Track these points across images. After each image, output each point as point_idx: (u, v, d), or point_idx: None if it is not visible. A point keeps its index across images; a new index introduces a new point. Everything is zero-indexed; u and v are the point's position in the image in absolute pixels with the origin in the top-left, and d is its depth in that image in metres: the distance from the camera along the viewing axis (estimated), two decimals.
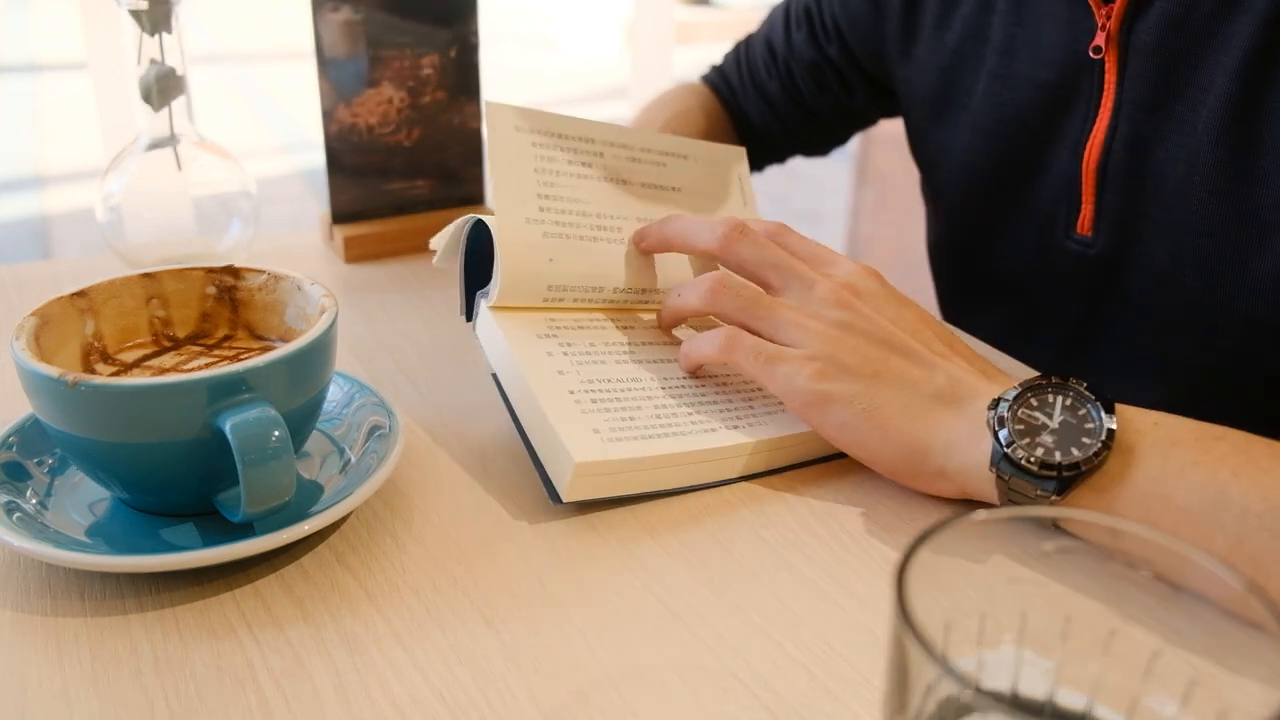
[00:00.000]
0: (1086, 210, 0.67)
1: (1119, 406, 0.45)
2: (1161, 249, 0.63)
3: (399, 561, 0.45)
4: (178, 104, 0.68)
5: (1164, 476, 0.42)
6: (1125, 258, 0.66)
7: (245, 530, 0.43)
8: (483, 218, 0.54)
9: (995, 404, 0.46)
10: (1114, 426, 0.44)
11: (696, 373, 0.54)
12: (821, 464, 0.53)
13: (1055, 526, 0.37)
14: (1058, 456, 0.43)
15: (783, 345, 0.50)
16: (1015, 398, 0.45)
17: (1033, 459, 0.44)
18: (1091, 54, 0.64)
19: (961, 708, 0.25)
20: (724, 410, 0.53)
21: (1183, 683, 0.28)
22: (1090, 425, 0.44)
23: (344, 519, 0.47)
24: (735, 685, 0.39)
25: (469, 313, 0.56)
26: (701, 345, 0.52)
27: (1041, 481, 0.43)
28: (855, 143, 2.32)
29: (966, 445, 0.46)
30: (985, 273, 0.77)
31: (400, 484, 0.50)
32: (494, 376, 0.52)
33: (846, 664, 0.40)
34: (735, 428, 0.51)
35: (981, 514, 0.29)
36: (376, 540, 0.46)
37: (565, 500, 0.47)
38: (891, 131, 0.87)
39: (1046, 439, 0.44)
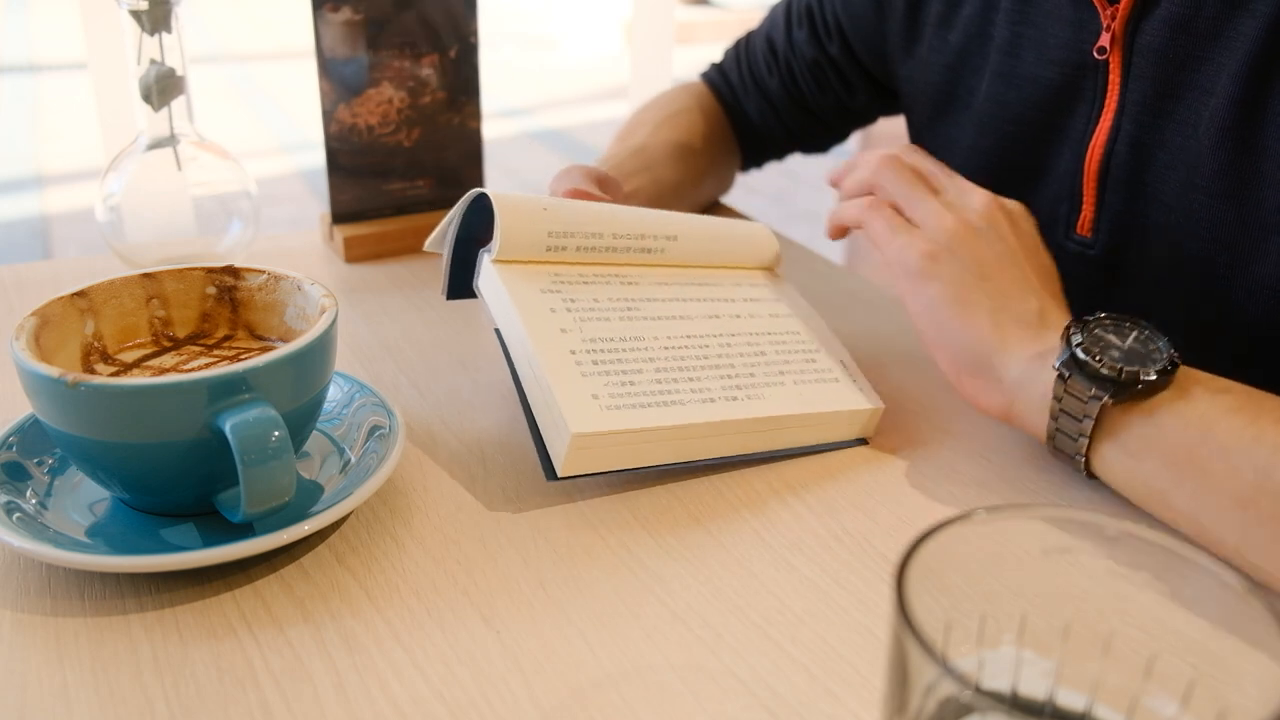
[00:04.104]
0: (1087, 211, 0.67)
1: (1186, 366, 0.49)
2: (1161, 251, 0.63)
3: (399, 561, 0.45)
4: (178, 104, 0.68)
5: (1210, 413, 0.46)
6: (1125, 259, 0.66)
7: (245, 530, 0.43)
8: (482, 191, 0.54)
9: (1075, 319, 0.50)
10: (1178, 360, 0.48)
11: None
12: (821, 464, 0.53)
13: (1088, 474, 0.49)
14: (1121, 366, 0.48)
15: (915, 225, 0.55)
16: (1094, 319, 0.50)
17: (1098, 357, 0.48)
18: (1096, 54, 0.64)
19: (961, 708, 0.25)
20: (724, 378, 0.53)
21: (1183, 683, 0.28)
22: (1156, 354, 0.48)
23: (344, 519, 0.47)
24: (735, 685, 0.39)
25: (450, 290, 0.56)
26: (848, 209, 0.58)
27: (1099, 383, 0.47)
28: (855, 143, 2.31)
29: (1031, 363, 0.51)
30: None
31: (400, 484, 0.50)
32: (496, 331, 0.52)
33: (846, 664, 0.40)
34: (734, 400, 0.51)
35: (981, 514, 0.29)
36: (376, 540, 0.46)
37: (561, 475, 0.47)
38: (892, 131, 0.87)
39: (1114, 353, 0.48)
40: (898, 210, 0.56)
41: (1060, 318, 0.53)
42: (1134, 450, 0.48)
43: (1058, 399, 0.49)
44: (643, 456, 0.49)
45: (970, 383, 0.52)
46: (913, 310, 0.53)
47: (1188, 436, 0.46)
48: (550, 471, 0.47)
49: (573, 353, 0.49)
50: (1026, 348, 0.51)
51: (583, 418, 0.46)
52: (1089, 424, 0.48)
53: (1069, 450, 0.49)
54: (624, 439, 0.47)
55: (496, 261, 0.52)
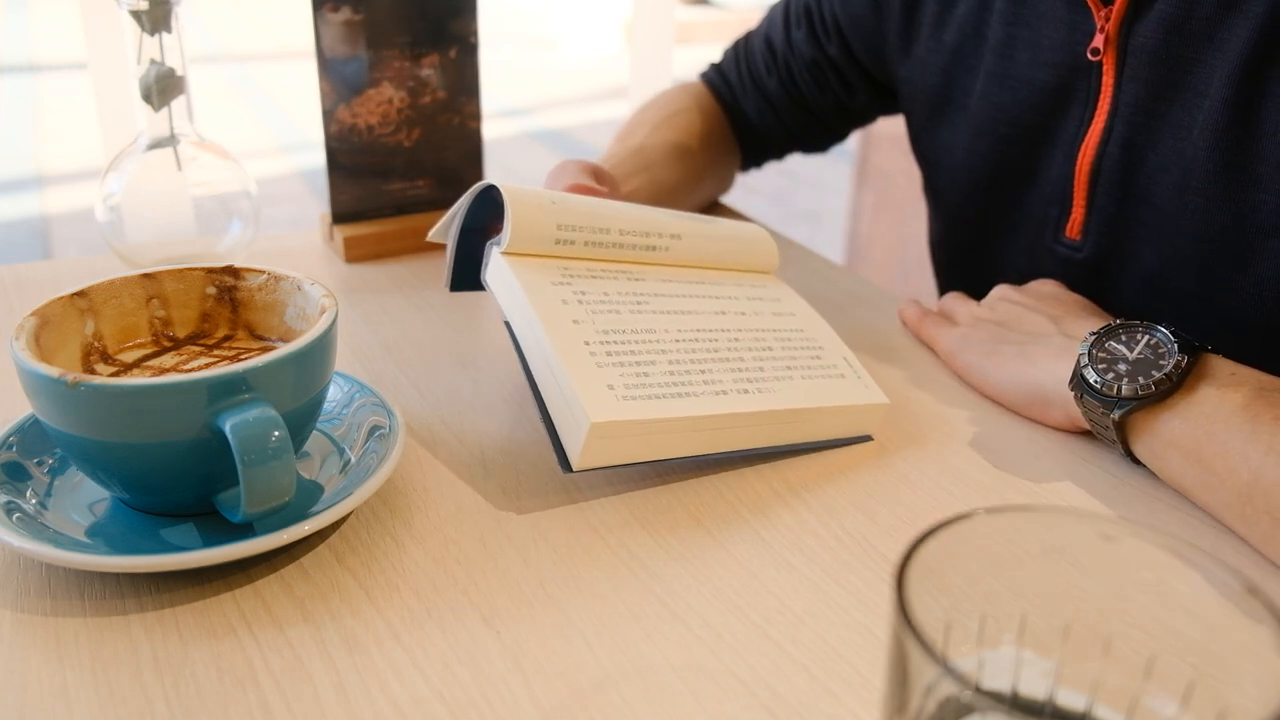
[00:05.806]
0: (1077, 214, 0.67)
1: (1208, 354, 0.50)
2: (1153, 254, 0.63)
3: (399, 561, 0.45)
4: (178, 104, 0.68)
5: (1216, 412, 0.48)
6: (1114, 263, 0.66)
7: (245, 530, 0.43)
8: (490, 183, 0.54)
9: (1092, 331, 0.53)
10: (1184, 365, 0.49)
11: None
12: (822, 465, 0.53)
13: (1127, 455, 0.52)
14: (1121, 385, 0.50)
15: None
16: (1108, 329, 0.53)
17: (1106, 373, 0.51)
18: (1090, 56, 0.63)
19: (961, 708, 0.25)
20: (735, 371, 0.53)
21: (1183, 683, 0.28)
22: (1164, 360, 0.50)
23: (344, 519, 0.47)
24: (735, 685, 0.39)
25: (454, 282, 0.56)
26: (917, 326, 0.67)
27: (1104, 402, 0.50)
28: (855, 142, 2.31)
29: (1061, 383, 0.54)
30: (983, 273, 0.77)
31: (400, 484, 0.50)
32: (506, 324, 0.51)
33: (846, 664, 0.40)
34: (745, 392, 0.52)
35: (981, 514, 0.29)
36: (376, 540, 0.46)
37: (577, 468, 0.47)
38: (891, 131, 0.87)
39: (1121, 366, 0.51)
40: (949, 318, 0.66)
41: (1080, 328, 0.56)
42: (1157, 450, 0.50)
43: (1082, 412, 0.53)
44: (656, 450, 0.49)
45: (1036, 413, 0.57)
46: (971, 382, 0.61)
47: (1195, 436, 0.48)
48: (566, 464, 0.47)
49: (587, 344, 0.49)
50: (1056, 367, 0.55)
51: (601, 407, 0.46)
52: (1113, 431, 0.51)
53: (1114, 450, 0.53)
54: (640, 429, 0.47)
55: (506, 254, 0.52)
